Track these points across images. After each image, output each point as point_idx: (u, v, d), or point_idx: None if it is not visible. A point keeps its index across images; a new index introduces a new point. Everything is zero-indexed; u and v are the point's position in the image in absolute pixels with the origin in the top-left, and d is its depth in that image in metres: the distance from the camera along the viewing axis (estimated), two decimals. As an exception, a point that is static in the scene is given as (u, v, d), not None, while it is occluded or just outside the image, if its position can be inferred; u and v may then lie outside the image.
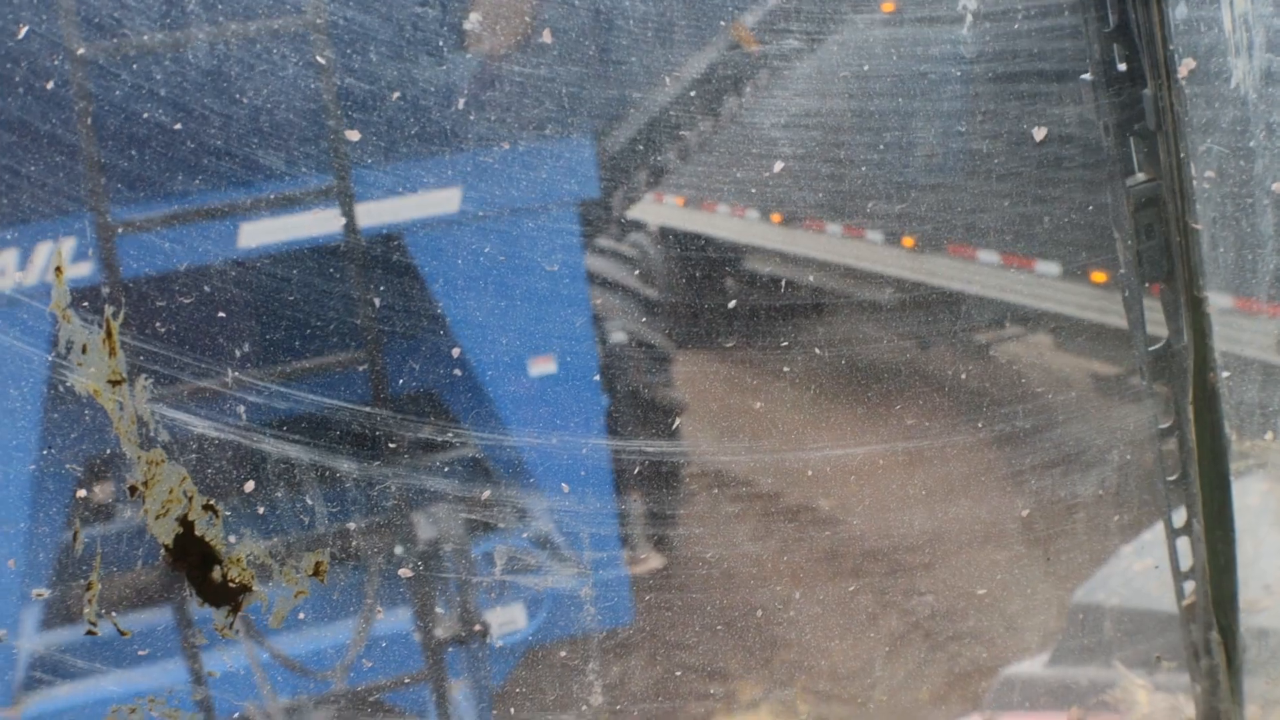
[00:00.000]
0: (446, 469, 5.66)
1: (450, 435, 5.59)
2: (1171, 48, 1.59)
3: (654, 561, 6.40)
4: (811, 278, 9.52)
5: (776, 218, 9.53)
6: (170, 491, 1.65)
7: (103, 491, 5.77)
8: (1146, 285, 1.70)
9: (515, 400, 5.45)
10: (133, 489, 1.65)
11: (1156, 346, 1.75)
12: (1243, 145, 2.20)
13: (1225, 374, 1.77)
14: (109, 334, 1.63)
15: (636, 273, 7.73)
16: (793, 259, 9.55)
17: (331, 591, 4.88)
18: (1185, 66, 1.65)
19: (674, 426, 6.95)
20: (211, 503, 1.69)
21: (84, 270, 4.55)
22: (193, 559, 1.68)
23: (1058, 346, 8.18)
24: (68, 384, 1.65)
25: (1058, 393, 7.71)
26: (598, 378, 5.71)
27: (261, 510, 4.63)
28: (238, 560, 1.70)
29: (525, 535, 5.54)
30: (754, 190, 9.67)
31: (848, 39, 7.52)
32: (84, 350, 1.64)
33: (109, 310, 1.61)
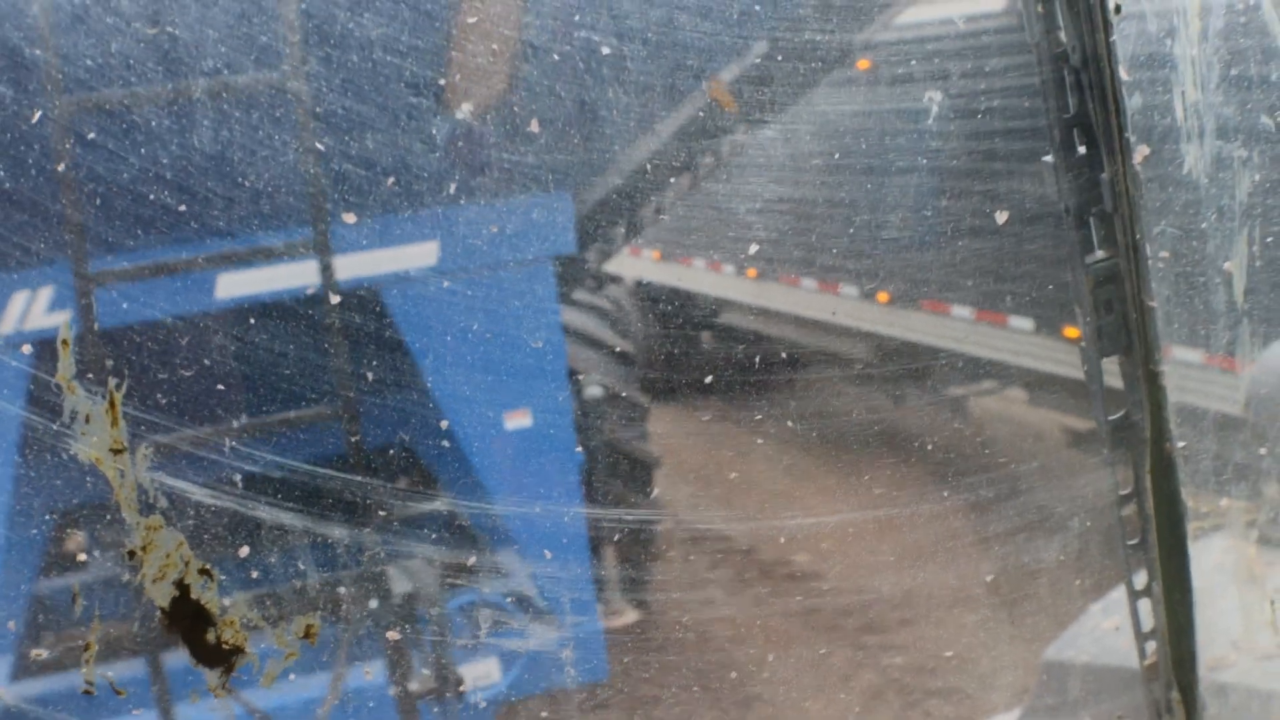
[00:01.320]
0: (424, 527, 5.66)
1: (425, 491, 5.61)
2: (1127, 135, 1.67)
3: (629, 616, 6.41)
4: (787, 332, 9.59)
5: (752, 273, 9.62)
6: (167, 557, 1.68)
7: (75, 546, 5.75)
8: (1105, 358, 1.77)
9: (490, 454, 5.47)
10: (131, 553, 1.68)
11: (1116, 416, 1.82)
12: (1195, 227, 2.28)
13: (1181, 444, 1.83)
14: (112, 404, 1.67)
15: (612, 327, 7.77)
16: (768, 314, 9.62)
17: (310, 649, 4.87)
18: (1140, 153, 1.72)
19: (650, 481, 6.98)
20: (207, 567, 1.72)
21: (58, 320, 4.58)
22: (188, 621, 1.71)
23: (1031, 402, 8.26)
24: (70, 451, 1.69)
25: (1030, 449, 7.79)
26: (572, 432, 5.74)
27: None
28: (231, 623, 1.74)
29: (500, 591, 5.54)
30: (730, 246, 9.75)
31: (824, 96, 7.64)
32: (87, 420, 1.68)
33: (113, 382, 1.65)
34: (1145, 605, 1.98)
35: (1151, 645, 1.99)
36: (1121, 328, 1.76)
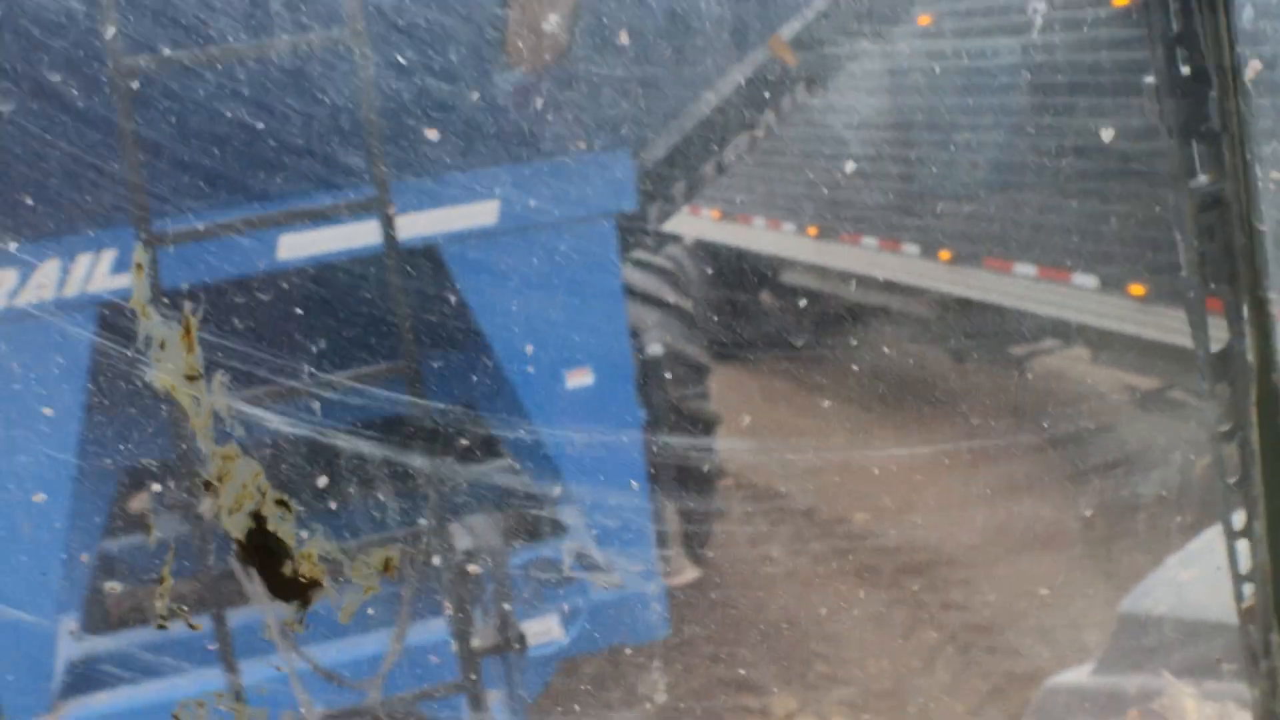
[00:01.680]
0: (485, 479, 5.68)
1: (489, 445, 5.62)
2: (1237, 50, 1.60)
3: (690, 574, 6.41)
4: (848, 290, 9.53)
5: (813, 231, 9.55)
6: (244, 487, 1.67)
7: (140, 503, 5.83)
8: (1210, 287, 1.71)
9: (552, 412, 5.47)
10: (207, 484, 1.67)
11: (1219, 348, 1.76)
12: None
13: (1290, 376, 1.77)
14: (187, 330, 1.66)
15: (672, 286, 7.74)
16: (829, 272, 9.56)
17: (367, 602, 4.89)
18: (1252, 69, 1.66)
19: (711, 439, 6.96)
20: (284, 498, 1.71)
21: (124, 282, 4.61)
22: (264, 554, 1.70)
23: (1095, 360, 8.15)
24: (145, 379, 1.68)
25: (1099, 407, 7.69)
26: (632, 391, 5.72)
27: (333, 505, 4.67)
28: (308, 556, 1.72)
29: (561, 548, 5.55)
30: (790, 204, 9.69)
31: (884, 53, 7.55)
32: (162, 346, 1.66)
33: (188, 307, 1.63)
34: (1243, 546, 1.93)
35: (1249, 588, 1.94)
36: (1226, 255, 1.70)
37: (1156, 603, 3.35)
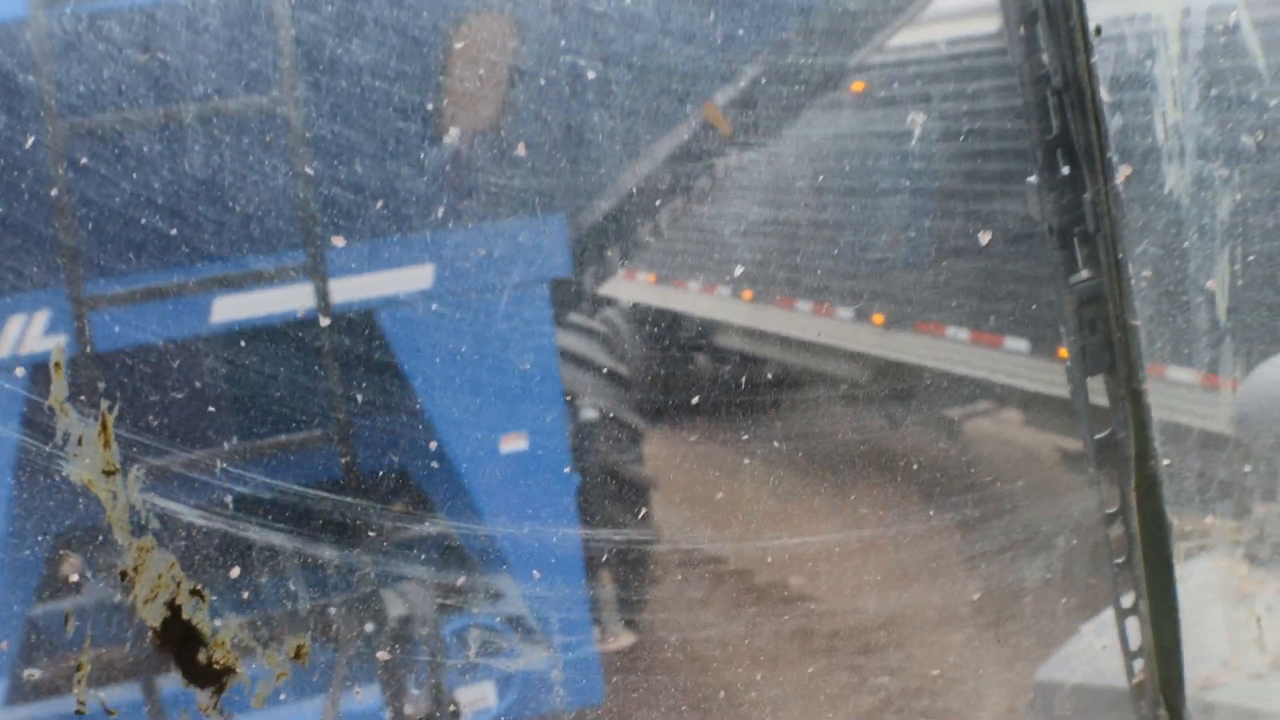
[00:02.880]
0: (417, 550, 5.66)
1: (421, 515, 5.61)
2: (1109, 155, 1.68)
3: (625, 639, 6.40)
4: (783, 354, 9.60)
5: (747, 294, 9.64)
6: (159, 577, 1.69)
7: (70, 569, 5.74)
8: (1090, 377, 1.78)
9: (487, 477, 5.47)
10: (123, 574, 1.68)
11: (1102, 435, 1.83)
12: (1177, 246, 2.30)
13: (1165, 461, 1.84)
14: (104, 427, 1.68)
15: (608, 350, 7.78)
16: (764, 335, 9.63)
17: (299, 671, 4.86)
18: (1122, 173, 1.74)
19: (646, 504, 6.97)
20: (199, 587, 1.73)
21: (52, 343, 4.59)
22: (179, 641, 1.71)
23: (1026, 423, 8.26)
24: (63, 472, 1.70)
25: (1029, 469, 7.78)
26: (567, 455, 5.73)
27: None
28: (222, 643, 1.74)
29: (496, 615, 5.53)
30: (725, 267, 9.78)
31: (819, 119, 7.68)
32: (80, 442, 1.68)
33: (104, 405, 1.65)
34: (1133, 624, 1.99)
35: (1139, 664, 2.00)
36: (1106, 347, 1.77)
37: (1072, 671, 3.40)
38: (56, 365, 1.74)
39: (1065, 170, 1.73)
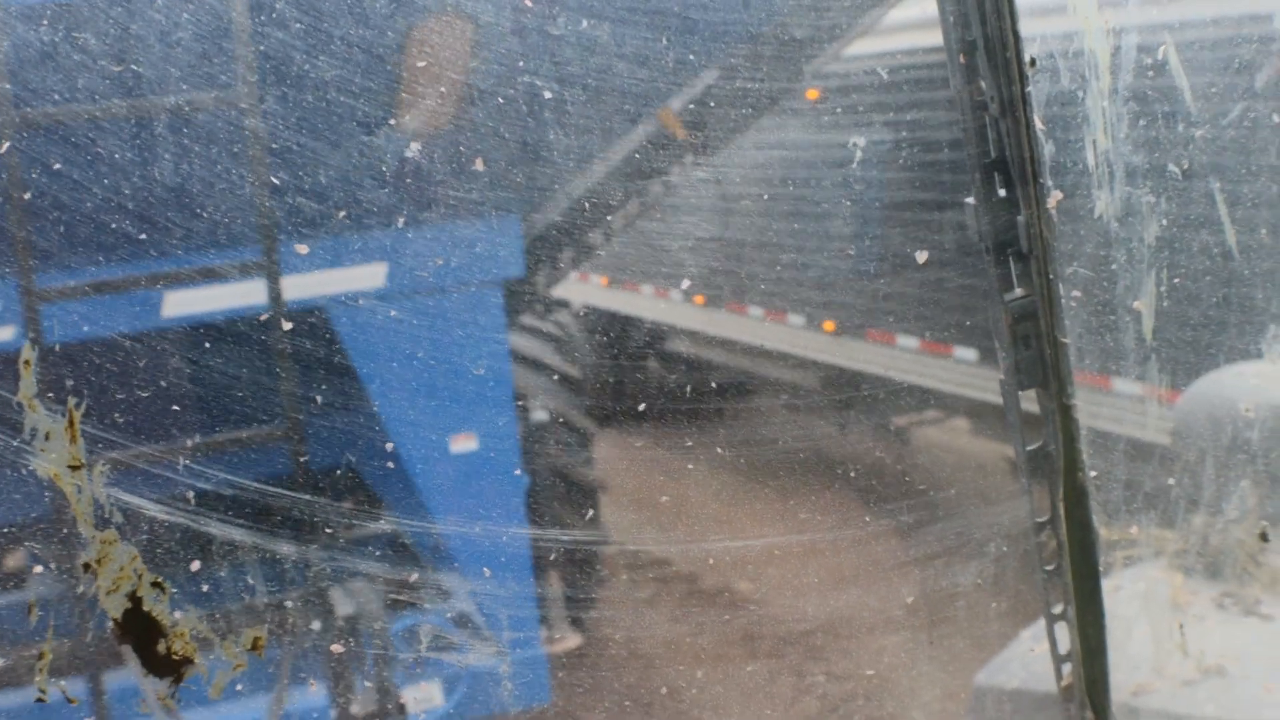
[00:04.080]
0: (367, 547, 5.67)
1: (371, 512, 5.62)
2: (1042, 180, 1.76)
3: (572, 640, 6.44)
4: (734, 359, 9.69)
5: (699, 299, 9.72)
6: (121, 570, 1.73)
7: (14, 562, 5.71)
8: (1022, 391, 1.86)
9: (436, 476, 5.49)
10: (86, 566, 1.72)
11: (1033, 447, 1.90)
12: (1106, 267, 2.39)
13: (1093, 474, 1.92)
14: (71, 423, 1.72)
15: (559, 352, 7.82)
16: (715, 340, 9.71)
17: (257, 665, 4.86)
18: (1054, 197, 1.82)
19: (593, 505, 7.02)
20: (159, 580, 1.77)
21: (4, 335, 4.58)
22: (139, 633, 1.75)
23: (974, 431, 8.39)
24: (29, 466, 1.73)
25: (975, 476, 7.89)
26: (517, 456, 5.77)
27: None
28: (181, 634, 1.78)
29: (443, 614, 5.55)
30: (678, 272, 9.83)
31: (773, 125, 7.75)
32: (47, 437, 1.72)
33: (72, 401, 1.69)
34: (1062, 629, 2.06)
35: (1068, 667, 2.07)
36: (1038, 362, 1.84)
37: (1010, 676, 3.48)
38: (26, 363, 1.78)
39: (1002, 192, 1.81)
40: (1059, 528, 1.91)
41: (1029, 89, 1.73)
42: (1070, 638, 2.03)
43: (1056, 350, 1.82)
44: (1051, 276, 1.80)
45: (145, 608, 1.76)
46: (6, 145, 3.99)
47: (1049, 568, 1.97)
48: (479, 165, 5.17)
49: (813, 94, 8.20)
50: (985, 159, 1.79)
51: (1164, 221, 2.35)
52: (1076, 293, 1.97)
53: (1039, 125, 1.76)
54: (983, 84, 1.74)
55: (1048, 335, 1.82)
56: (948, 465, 8.37)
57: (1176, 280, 2.36)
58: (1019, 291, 1.84)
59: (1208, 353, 2.79)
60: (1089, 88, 2.08)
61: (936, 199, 7.13)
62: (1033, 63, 1.74)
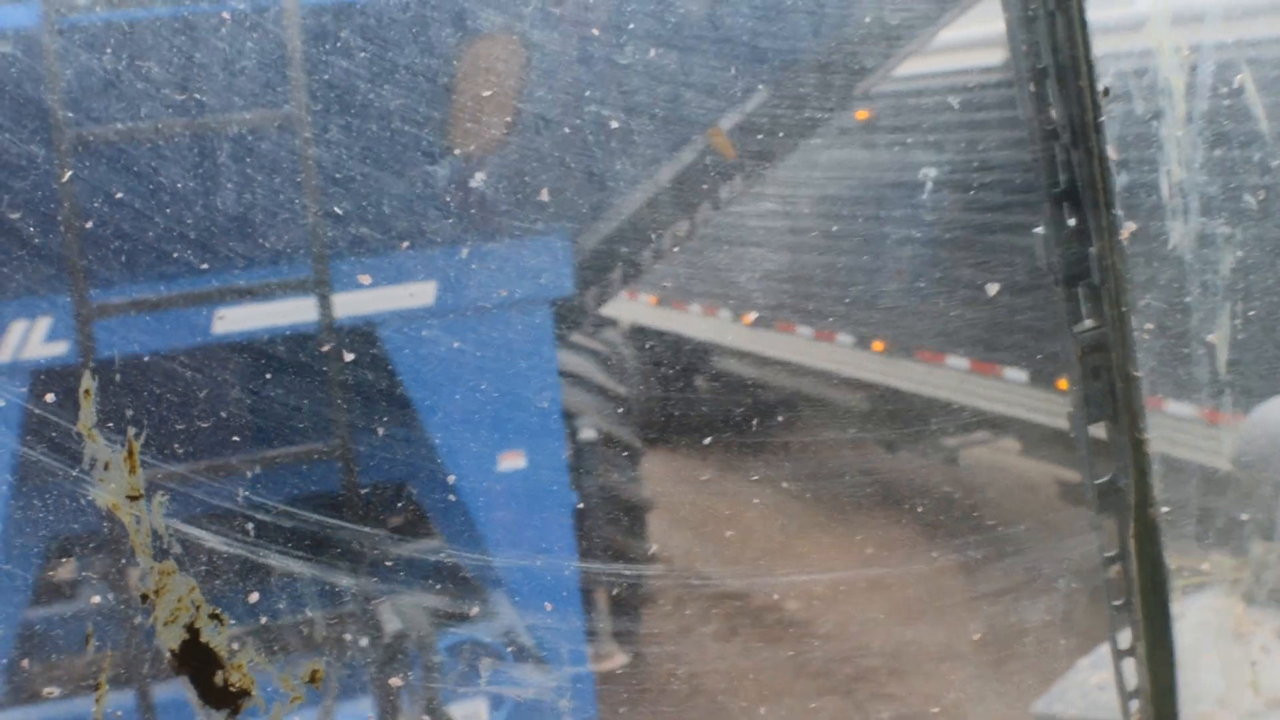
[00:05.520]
0: (415, 566, 5.68)
1: (419, 531, 5.63)
2: (1114, 210, 1.73)
3: (619, 659, 6.42)
4: (782, 378, 9.65)
5: (747, 319, 9.69)
6: (179, 600, 1.72)
7: (66, 574, 5.76)
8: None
9: (485, 494, 5.48)
10: (144, 597, 1.72)
11: (1103, 480, 1.86)
12: (1179, 300, 2.35)
13: (1165, 509, 1.88)
14: (130, 453, 1.72)
15: (607, 370, 7.81)
16: (764, 360, 9.68)
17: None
18: (1127, 228, 1.79)
19: (643, 524, 6.99)
20: (217, 611, 1.76)
21: (59, 350, 4.62)
22: (197, 664, 1.75)
23: (1024, 453, 8.30)
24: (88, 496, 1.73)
25: (1027, 499, 7.81)
26: (565, 474, 5.75)
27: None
28: (239, 666, 1.77)
29: (490, 632, 5.54)
30: (726, 290, 9.82)
31: (823, 145, 7.73)
32: (106, 468, 1.72)
33: (131, 431, 1.69)
34: (1129, 665, 2.02)
35: (1135, 704, 2.03)
36: (1108, 395, 1.81)
37: (1067, 705, 3.43)
38: (86, 392, 1.78)
39: (1072, 223, 1.78)
40: (1129, 563, 1.87)
41: (1101, 118, 1.70)
42: (1139, 674, 1.99)
43: (1128, 383, 1.79)
44: (1124, 308, 1.77)
45: (203, 639, 1.75)
46: (69, 174, 4.03)
47: (1117, 602, 1.93)
48: (527, 180, 5.18)
49: (862, 115, 8.17)
50: (1055, 189, 1.76)
51: (1239, 254, 2.31)
52: (1149, 325, 1.93)
53: (1112, 155, 1.73)
54: (1053, 112, 1.71)
55: (1119, 368, 1.78)
56: (1016, 497, 8.28)
57: (1252, 314, 2.31)
58: (1089, 323, 1.81)
59: (1283, 385, 2.74)
60: (1164, 117, 2.04)
61: (1000, 223, 7.08)
62: (1106, 91, 1.71)
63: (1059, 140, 1.73)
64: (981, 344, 7.77)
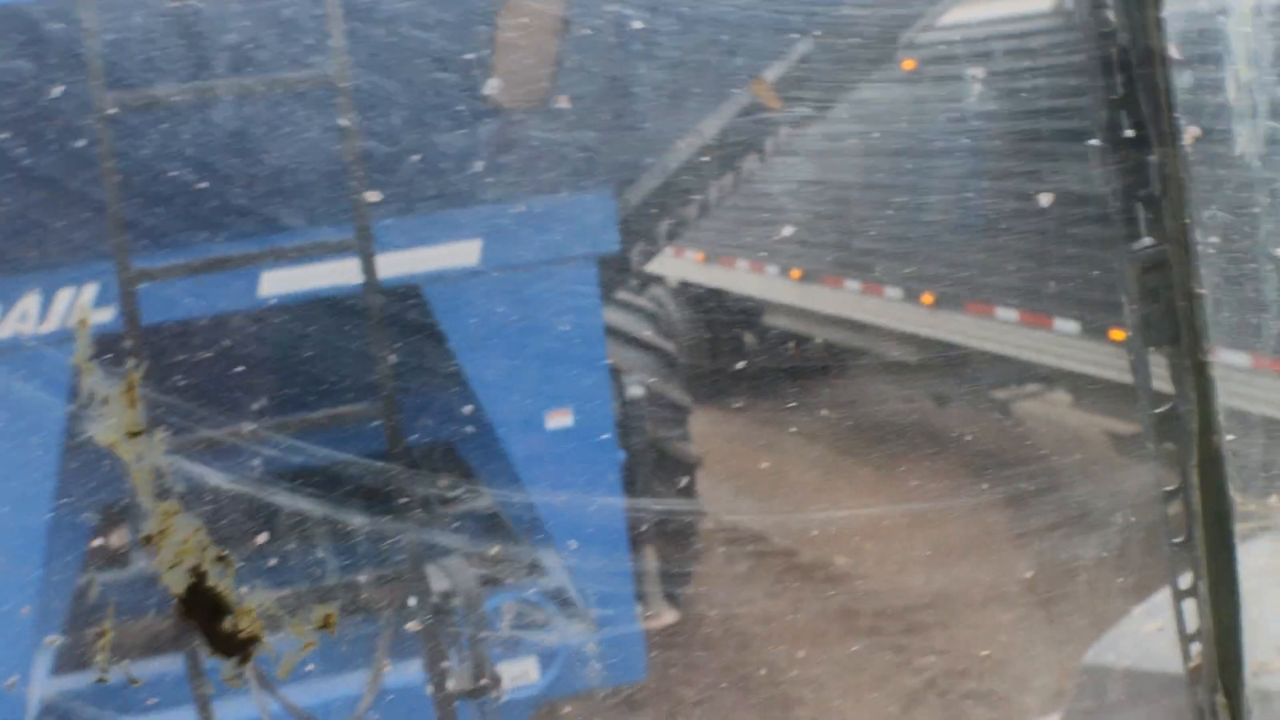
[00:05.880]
0: (460, 523, 5.66)
1: (464, 489, 5.61)
2: (1176, 115, 1.62)
3: (668, 617, 6.38)
4: (831, 333, 9.56)
5: (795, 273, 9.59)
6: (184, 542, 1.67)
7: (118, 540, 5.79)
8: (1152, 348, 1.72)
9: (532, 453, 5.46)
10: (148, 539, 1.67)
11: (1162, 409, 1.77)
12: (1246, 211, 2.22)
13: (1230, 436, 1.78)
14: (129, 387, 1.66)
15: (654, 327, 7.74)
16: (812, 315, 9.59)
17: (342, 643, 4.88)
18: (1190, 134, 1.68)
19: (691, 481, 6.94)
20: (224, 554, 1.71)
21: (105, 316, 4.61)
22: (204, 609, 1.69)
23: (1076, 405, 8.17)
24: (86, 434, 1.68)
25: (1080, 452, 7.70)
26: (612, 432, 5.71)
27: (273, 562, 4.65)
28: (248, 611, 1.72)
29: (539, 590, 5.53)
30: (773, 246, 9.73)
31: (869, 97, 7.60)
32: (104, 402, 1.67)
33: (130, 364, 1.64)
34: (1190, 606, 1.93)
35: (1196, 647, 1.94)
36: (1169, 317, 1.71)
37: (1120, 655, 3.34)
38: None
39: (1130, 132, 1.67)
40: (1190, 496, 1.77)
41: (1163, 15, 1.59)
42: (1200, 615, 1.90)
43: (1191, 303, 1.68)
44: (1187, 221, 1.66)
45: (209, 583, 1.69)
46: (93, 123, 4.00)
47: (1177, 540, 1.84)
48: (572, 137, 5.11)
49: (909, 64, 8.02)
50: (1111, 96, 1.65)
51: (1315, 159, 2.18)
52: (1214, 239, 1.82)
53: (1174, 55, 1.62)
54: (1109, 12, 1.60)
55: (1181, 287, 1.68)
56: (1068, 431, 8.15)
57: (1327, 224, 2.20)
58: (1148, 240, 1.71)
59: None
60: (1230, 11, 1.92)
61: (1046, 161, 6.92)
62: (1166, -17, 1.60)
63: (1115, 40, 1.62)
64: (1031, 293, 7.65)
